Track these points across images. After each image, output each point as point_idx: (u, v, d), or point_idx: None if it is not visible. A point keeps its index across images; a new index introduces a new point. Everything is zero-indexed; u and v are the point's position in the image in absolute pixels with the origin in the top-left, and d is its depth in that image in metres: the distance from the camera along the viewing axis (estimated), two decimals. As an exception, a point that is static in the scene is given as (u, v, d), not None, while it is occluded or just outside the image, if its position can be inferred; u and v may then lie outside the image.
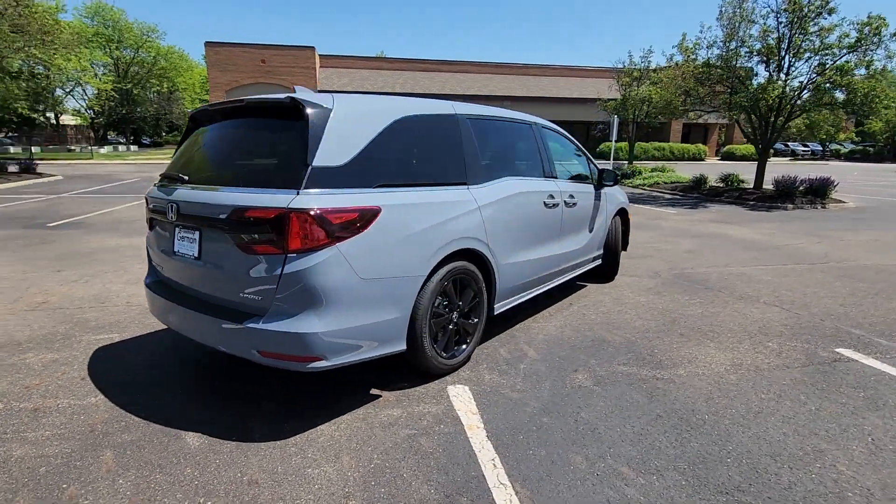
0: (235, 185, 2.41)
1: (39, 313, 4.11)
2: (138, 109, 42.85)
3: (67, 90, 38.15)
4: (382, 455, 2.22)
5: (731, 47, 13.55)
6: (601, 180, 4.71)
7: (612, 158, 17.85)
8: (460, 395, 2.75)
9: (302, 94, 2.50)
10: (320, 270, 2.21)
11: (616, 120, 16.51)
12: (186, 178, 2.66)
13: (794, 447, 2.29)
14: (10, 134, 38.54)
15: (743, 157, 34.05)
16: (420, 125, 2.84)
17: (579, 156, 4.75)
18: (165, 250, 2.78)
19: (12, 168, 17.73)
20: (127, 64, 43.01)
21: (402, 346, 2.66)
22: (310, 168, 2.25)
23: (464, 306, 3.08)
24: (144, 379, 2.95)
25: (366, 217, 2.36)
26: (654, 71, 18.71)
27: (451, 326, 2.99)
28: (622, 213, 5.41)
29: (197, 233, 2.52)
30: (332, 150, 2.33)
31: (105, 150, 36.97)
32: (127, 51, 42.83)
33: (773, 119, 13.64)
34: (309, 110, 2.35)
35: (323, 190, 2.26)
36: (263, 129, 2.58)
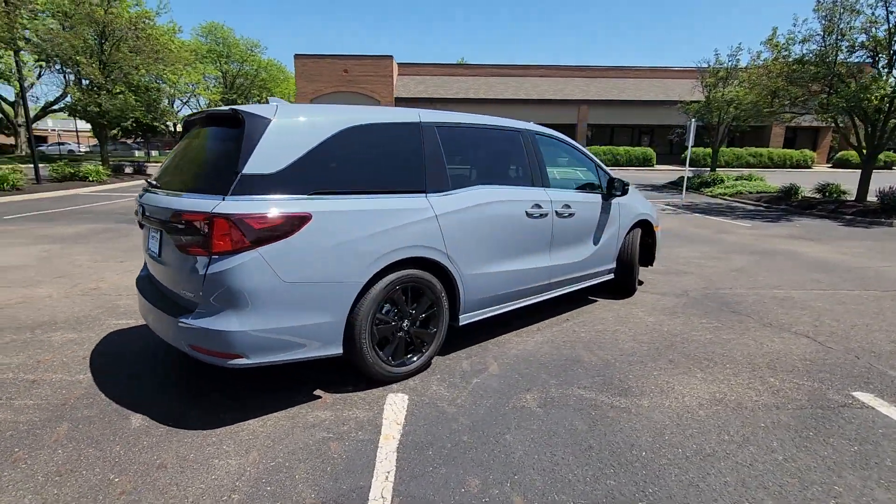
0: (184, 190, 2.61)
1: (86, 298, 4.72)
2: (241, 117, 47.19)
3: (184, 101, 43.19)
4: (288, 455, 2.29)
5: (830, 42, 12.03)
6: (610, 190, 4.43)
7: (687, 165, 16.51)
8: (396, 404, 2.75)
9: (267, 105, 2.65)
10: (240, 273, 2.34)
11: (693, 124, 15.26)
12: (156, 182, 2.93)
13: (727, 500, 2.01)
14: (137, 140, 44.32)
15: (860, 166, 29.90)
16: (372, 134, 2.88)
17: (587, 165, 4.50)
18: (145, 247, 3.08)
19: (128, 170, 20.45)
20: (233, 76, 47.61)
21: (338, 351, 2.71)
22: (239, 175, 2.39)
23: (417, 315, 3.06)
24: (129, 362, 3.28)
25: (292, 223, 2.44)
26: (744, 70, 17.11)
27: (400, 334, 2.99)
28: (644, 226, 5.04)
29: (159, 233, 2.77)
30: (265, 159, 2.45)
31: (211, 154, 41.16)
32: (234, 64, 47.43)
33: (881, 122, 11.89)
34: (247, 121, 2.49)
35: (250, 196, 2.38)
36: (216, 138, 2.77)
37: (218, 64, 46.34)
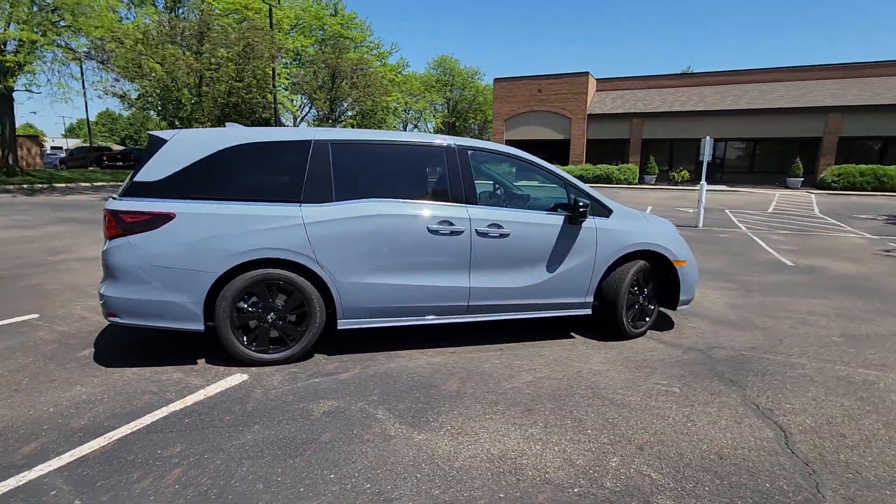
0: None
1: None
2: (459, 139, 52.82)
3: (414, 124, 50.49)
4: (113, 395, 2.97)
5: None
6: (575, 212, 3.85)
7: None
8: (230, 381, 3.17)
9: (172, 131, 3.46)
10: (115, 253, 3.15)
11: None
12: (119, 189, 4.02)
13: (325, 541, 1.83)
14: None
15: None
16: (252, 152, 3.38)
17: (556, 183, 4.04)
18: None
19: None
20: (455, 102, 53.29)
21: (199, 327, 3.30)
22: (131, 181, 3.21)
23: (285, 311, 3.41)
24: (142, 317, 4.48)
25: (158, 219, 3.14)
26: None
27: (264, 325, 3.40)
28: (656, 259, 4.18)
29: None
30: (153, 170, 3.23)
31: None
32: (456, 91, 53.09)
33: None
34: (151, 141, 3.31)
35: (133, 197, 3.18)
36: (148, 155, 3.68)
37: (443, 92, 52.60)
